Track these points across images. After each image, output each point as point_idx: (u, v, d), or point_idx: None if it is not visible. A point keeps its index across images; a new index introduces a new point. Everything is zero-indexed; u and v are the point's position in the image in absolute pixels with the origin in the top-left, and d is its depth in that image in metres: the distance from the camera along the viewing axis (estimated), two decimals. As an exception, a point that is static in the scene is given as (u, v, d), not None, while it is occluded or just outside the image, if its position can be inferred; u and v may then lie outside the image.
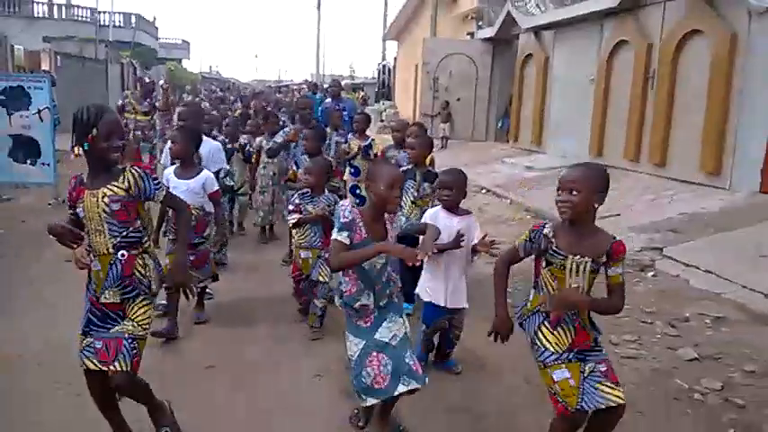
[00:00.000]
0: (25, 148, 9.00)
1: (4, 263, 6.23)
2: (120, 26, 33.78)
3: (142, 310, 2.99)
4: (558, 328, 2.83)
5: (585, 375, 2.80)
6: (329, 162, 5.37)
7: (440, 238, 3.58)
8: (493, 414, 3.62)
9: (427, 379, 3.20)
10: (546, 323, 2.86)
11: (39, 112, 8.86)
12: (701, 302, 5.28)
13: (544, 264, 2.88)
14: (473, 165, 13.49)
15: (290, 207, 4.85)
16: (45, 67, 18.10)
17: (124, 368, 2.88)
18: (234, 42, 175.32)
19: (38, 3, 31.75)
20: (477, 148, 16.60)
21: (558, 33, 13.53)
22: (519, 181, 11.71)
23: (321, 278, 4.68)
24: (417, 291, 4.08)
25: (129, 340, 2.93)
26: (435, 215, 3.93)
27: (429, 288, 3.98)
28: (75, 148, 3.13)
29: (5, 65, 13.92)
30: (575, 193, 2.72)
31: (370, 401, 3.19)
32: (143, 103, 9.79)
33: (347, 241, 3.09)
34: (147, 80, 10.85)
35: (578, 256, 2.77)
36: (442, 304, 3.92)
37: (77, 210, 2.95)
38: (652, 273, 6.17)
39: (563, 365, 2.80)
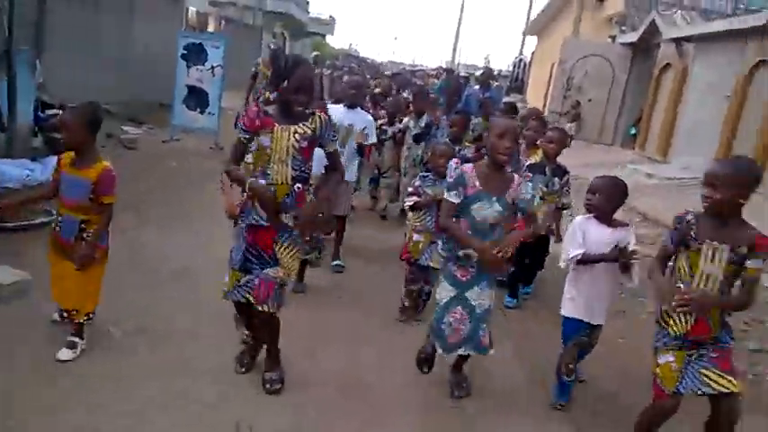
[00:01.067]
0: (196, 98, 10.46)
1: (175, 192, 7.53)
2: (276, -3, 35.95)
3: (291, 255, 3.35)
4: (682, 312, 2.89)
5: (692, 359, 2.90)
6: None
7: (587, 249, 3.51)
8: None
9: (491, 351, 3.44)
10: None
11: (212, 68, 10.27)
12: (784, 315, 5.65)
13: (682, 248, 2.95)
14: (595, 166, 13.76)
15: (410, 189, 4.83)
16: (211, 28, 20.00)
17: (271, 310, 3.33)
18: (374, 22, 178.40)
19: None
20: (601, 151, 16.75)
21: (700, 47, 13.48)
22: (634, 185, 11.98)
23: (432, 264, 4.60)
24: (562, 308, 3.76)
25: (278, 287, 3.33)
26: (584, 224, 3.62)
27: (568, 301, 3.70)
28: (268, 93, 3.73)
29: (180, 23, 15.64)
30: (716, 189, 2.77)
31: (439, 350, 3.50)
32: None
33: (455, 200, 3.26)
34: (272, 47, 12.12)
35: (716, 242, 2.82)
36: (579, 317, 3.65)
37: (261, 138, 3.22)
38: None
39: (670, 352, 2.93)
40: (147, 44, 12.54)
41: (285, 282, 3.39)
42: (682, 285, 2.92)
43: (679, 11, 14.42)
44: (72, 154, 3.48)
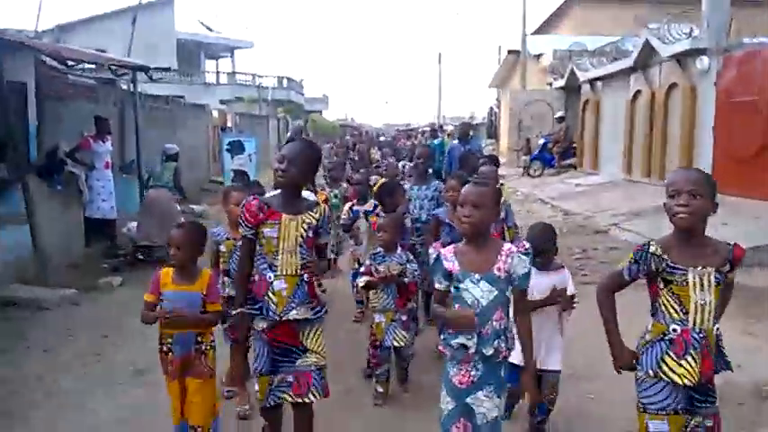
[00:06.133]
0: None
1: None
2: (275, 87, 41.10)
3: (318, 340, 3.23)
4: (687, 356, 2.54)
5: (688, 430, 2.60)
6: (402, 217, 5.01)
7: (529, 294, 3.12)
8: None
9: None
10: (671, 352, 2.57)
11: (249, 155, 14.60)
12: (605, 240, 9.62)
13: (662, 285, 2.60)
14: (542, 185, 18.03)
15: (362, 269, 4.62)
16: (229, 124, 24.53)
17: (319, 397, 3.21)
18: (366, 91, 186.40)
19: (209, 72, 40.03)
20: (549, 174, 20.90)
21: (605, 84, 17.86)
22: (563, 193, 16.11)
23: (396, 343, 4.39)
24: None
25: (317, 371, 3.20)
26: None
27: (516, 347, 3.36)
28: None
29: (207, 123, 20.17)
30: (697, 197, 2.46)
31: None
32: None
33: (440, 286, 2.85)
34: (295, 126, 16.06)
35: (700, 268, 2.51)
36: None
37: (265, 230, 3.11)
38: (604, 232, 10.54)
39: (665, 417, 2.57)
40: (187, 143, 16.43)
41: (323, 364, 3.27)
42: (678, 327, 2.58)
43: (588, 60, 18.84)
44: (171, 271, 3.40)
